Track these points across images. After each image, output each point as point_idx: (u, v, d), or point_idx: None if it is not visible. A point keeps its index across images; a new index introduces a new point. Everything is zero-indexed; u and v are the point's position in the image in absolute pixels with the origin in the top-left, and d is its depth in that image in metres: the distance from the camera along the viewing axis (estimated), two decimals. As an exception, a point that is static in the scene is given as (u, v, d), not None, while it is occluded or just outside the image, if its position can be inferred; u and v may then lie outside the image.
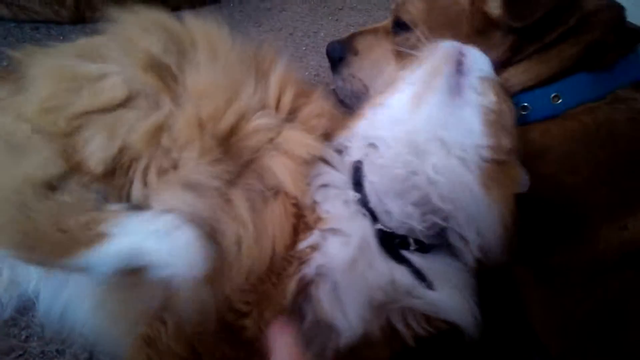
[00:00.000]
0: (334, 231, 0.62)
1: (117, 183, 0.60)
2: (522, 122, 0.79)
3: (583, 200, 0.76)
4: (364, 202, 0.63)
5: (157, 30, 0.68)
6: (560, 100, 0.79)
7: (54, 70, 0.64)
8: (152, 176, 0.60)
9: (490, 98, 0.63)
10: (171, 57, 0.66)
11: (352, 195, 0.64)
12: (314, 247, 0.60)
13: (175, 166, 0.61)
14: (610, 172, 0.75)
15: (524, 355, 0.90)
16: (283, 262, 0.60)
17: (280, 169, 0.64)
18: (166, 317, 0.58)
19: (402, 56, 0.90)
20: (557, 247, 0.80)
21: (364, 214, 0.63)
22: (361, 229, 0.62)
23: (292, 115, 0.71)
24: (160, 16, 0.71)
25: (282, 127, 0.68)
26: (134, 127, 0.61)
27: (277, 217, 0.61)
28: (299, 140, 0.67)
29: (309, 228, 0.62)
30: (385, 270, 0.61)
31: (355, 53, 1.07)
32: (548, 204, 0.77)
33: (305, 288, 0.60)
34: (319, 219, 0.62)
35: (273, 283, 0.59)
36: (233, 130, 0.64)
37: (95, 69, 0.64)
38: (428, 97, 0.62)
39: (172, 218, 0.56)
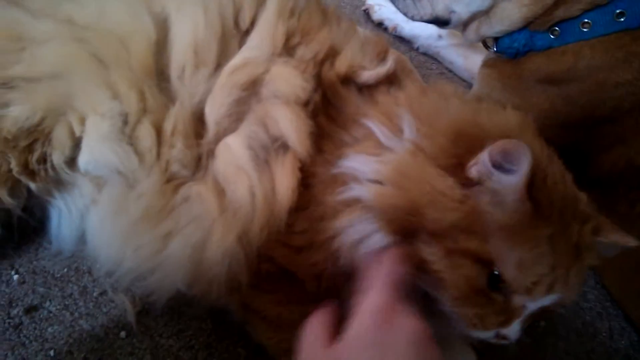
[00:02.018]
0: None
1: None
2: (579, 38, 0.76)
3: None
4: None
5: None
6: (623, 19, 0.73)
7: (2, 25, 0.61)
8: (78, 128, 0.58)
9: None
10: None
11: None
12: None
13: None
14: None
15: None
16: None
17: (285, 122, 0.58)
18: None
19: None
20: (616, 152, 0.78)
21: None
22: None
23: (289, 49, 0.63)
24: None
25: (273, 62, 0.60)
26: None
27: (286, 174, 0.58)
28: (289, 79, 0.60)
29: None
30: None
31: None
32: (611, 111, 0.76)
33: None
34: None
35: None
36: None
37: (41, 30, 0.60)
38: None
39: None
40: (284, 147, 0.58)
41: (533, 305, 0.49)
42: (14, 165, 0.59)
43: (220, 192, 0.57)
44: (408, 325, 0.45)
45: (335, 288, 0.55)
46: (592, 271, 0.88)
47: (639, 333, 0.83)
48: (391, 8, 1.19)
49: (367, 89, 0.63)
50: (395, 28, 1.20)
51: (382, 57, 0.66)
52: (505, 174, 0.46)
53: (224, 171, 0.57)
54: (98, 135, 0.57)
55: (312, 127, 0.58)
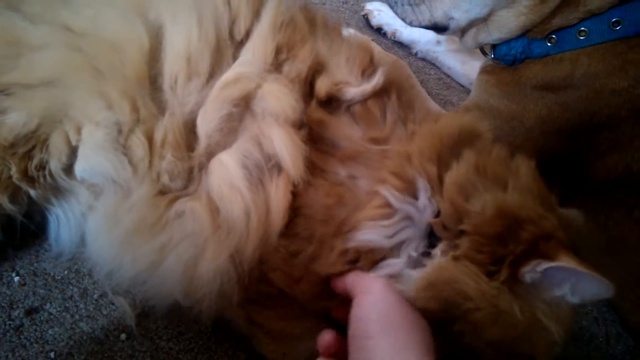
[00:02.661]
0: None
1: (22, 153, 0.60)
2: (576, 46, 0.78)
3: None
4: None
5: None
6: (619, 27, 0.75)
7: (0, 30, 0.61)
8: (74, 137, 0.59)
9: None
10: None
11: None
12: None
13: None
14: None
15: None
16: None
17: (279, 143, 0.57)
18: None
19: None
20: (613, 159, 0.80)
21: None
22: None
23: (277, 65, 0.62)
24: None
25: (264, 78, 0.60)
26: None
27: (280, 196, 0.57)
28: (279, 97, 0.59)
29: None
30: None
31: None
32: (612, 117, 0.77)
33: None
34: None
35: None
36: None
37: (38, 36, 0.60)
38: None
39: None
40: (278, 167, 0.58)
41: None
42: (14, 171, 0.59)
43: (215, 209, 0.56)
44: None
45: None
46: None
47: (635, 338, 0.84)
48: (390, 13, 1.20)
49: (359, 109, 0.62)
50: (394, 33, 1.21)
51: (370, 72, 0.64)
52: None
53: (218, 189, 0.56)
54: (93, 143, 0.57)
55: (306, 151, 0.57)
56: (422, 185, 0.51)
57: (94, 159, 0.57)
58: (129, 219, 0.57)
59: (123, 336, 0.66)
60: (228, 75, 0.59)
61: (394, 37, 1.23)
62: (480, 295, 0.46)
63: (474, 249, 0.47)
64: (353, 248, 0.51)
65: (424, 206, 0.51)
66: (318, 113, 0.60)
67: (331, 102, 0.62)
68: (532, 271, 0.46)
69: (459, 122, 0.57)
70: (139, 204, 0.56)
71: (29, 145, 0.58)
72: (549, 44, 0.80)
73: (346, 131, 0.59)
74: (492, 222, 0.48)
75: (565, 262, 0.45)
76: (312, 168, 0.57)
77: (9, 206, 0.61)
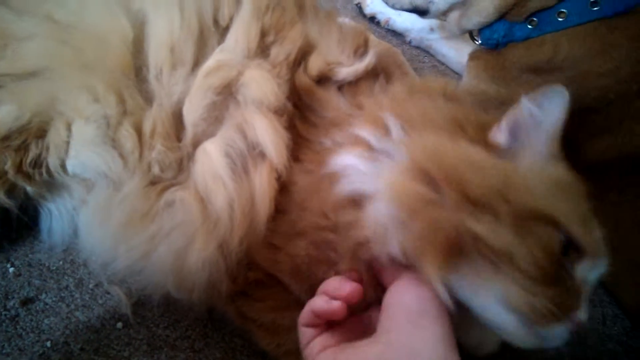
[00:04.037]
0: None
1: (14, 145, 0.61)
2: (557, 28, 0.80)
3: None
4: None
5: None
6: (597, 7, 0.76)
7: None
8: (64, 132, 0.61)
9: None
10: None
11: None
12: None
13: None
14: None
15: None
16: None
17: (262, 133, 0.58)
18: None
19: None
20: (604, 141, 0.83)
21: None
22: None
23: (264, 49, 0.64)
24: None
25: (246, 65, 0.61)
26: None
27: (264, 184, 0.58)
28: (261, 84, 0.60)
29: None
30: None
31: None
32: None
33: None
34: None
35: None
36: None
37: (23, 28, 0.62)
38: None
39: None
40: (263, 155, 0.59)
41: (592, 274, 0.49)
42: (9, 166, 0.60)
43: (203, 198, 0.57)
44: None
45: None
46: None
47: (631, 319, 0.85)
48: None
49: (349, 87, 0.63)
50: (387, 21, 1.23)
51: (361, 52, 0.66)
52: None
53: (203, 179, 0.57)
54: (84, 139, 0.58)
55: (289, 139, 0.58)
56: (392, 120, 0.54)
57: (85, 154, 0.58)
58: (121, 212, 0.58)
59: (119, 325, 0.68)
60: (210, 63, 0.60)
61: (388, 26, 1.25)
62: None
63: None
64: (332, 175, 0.54)
65: (398, 138, 0.53)
66: (306, 79, 0.61)
67: (321, 81, 0.63)
68: (499, 130, 0.53)
69: (431, 84, 0.61)
70: (130, 196, 0.58)
71: (22, 138, 0.60)
72: (529, 27, 0.81)
73: (334, 102, 0.61)
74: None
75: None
76: (298, 138, 0.59)
77: (5, 200, 0.63)
